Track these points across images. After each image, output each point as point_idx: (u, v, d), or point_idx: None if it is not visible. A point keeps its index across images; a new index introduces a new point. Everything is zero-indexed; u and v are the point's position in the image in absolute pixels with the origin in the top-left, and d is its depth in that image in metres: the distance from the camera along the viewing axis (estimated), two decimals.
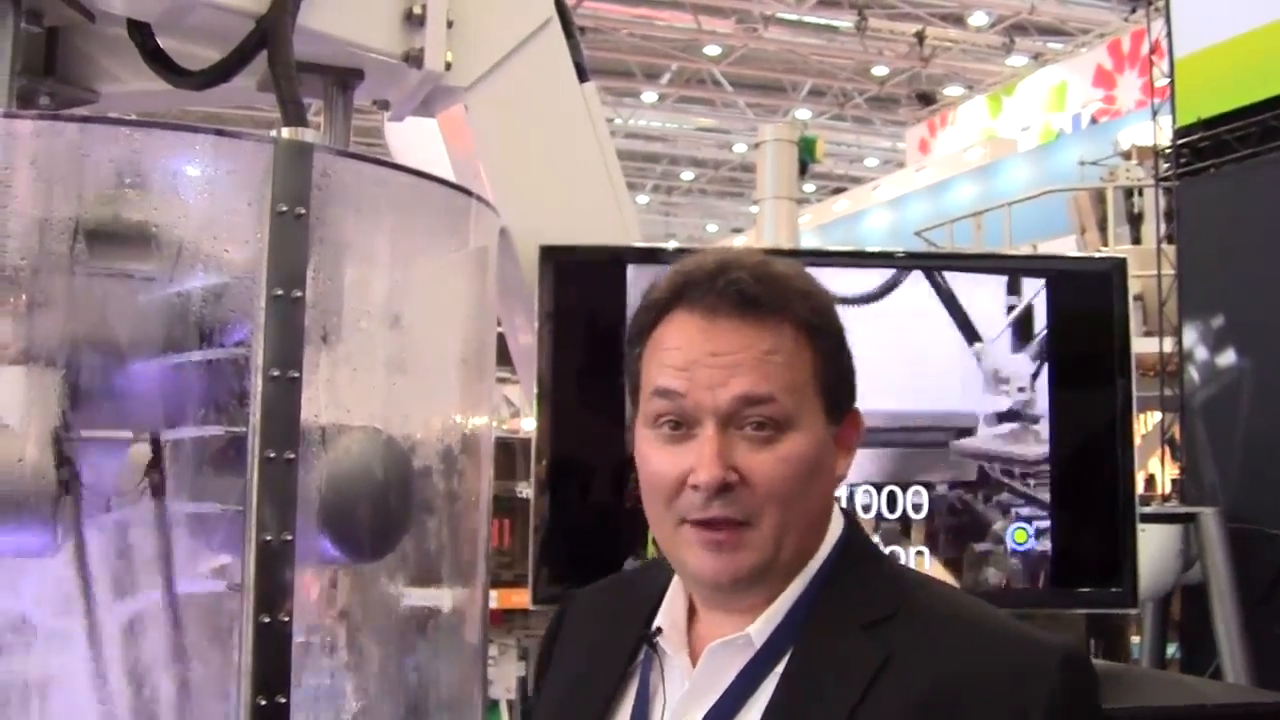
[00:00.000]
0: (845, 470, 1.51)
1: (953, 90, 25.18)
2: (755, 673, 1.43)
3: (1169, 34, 7.81)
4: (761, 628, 1.44)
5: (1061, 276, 3.18)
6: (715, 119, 26.77)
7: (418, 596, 2.50)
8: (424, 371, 2.52)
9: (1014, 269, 3.15)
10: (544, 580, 2.86)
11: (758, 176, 9.97)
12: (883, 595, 1.46)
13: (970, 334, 3.08)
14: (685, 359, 1.44)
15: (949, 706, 1.34)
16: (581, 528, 2.89)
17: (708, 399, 1.41)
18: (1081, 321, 3.14)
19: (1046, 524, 3.05)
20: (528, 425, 10.27)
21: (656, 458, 1.46)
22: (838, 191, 29.24)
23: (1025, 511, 3.05)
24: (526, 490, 7.82)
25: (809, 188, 26.89)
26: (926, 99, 24.92)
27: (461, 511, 2.53)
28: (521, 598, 7.12)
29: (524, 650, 7.14)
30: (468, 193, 2.56)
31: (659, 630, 1.51)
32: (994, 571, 3.05)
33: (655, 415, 1.46)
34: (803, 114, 25.36)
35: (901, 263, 3.16)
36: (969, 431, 3.04)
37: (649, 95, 24.93)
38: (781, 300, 1.44)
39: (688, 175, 30.41)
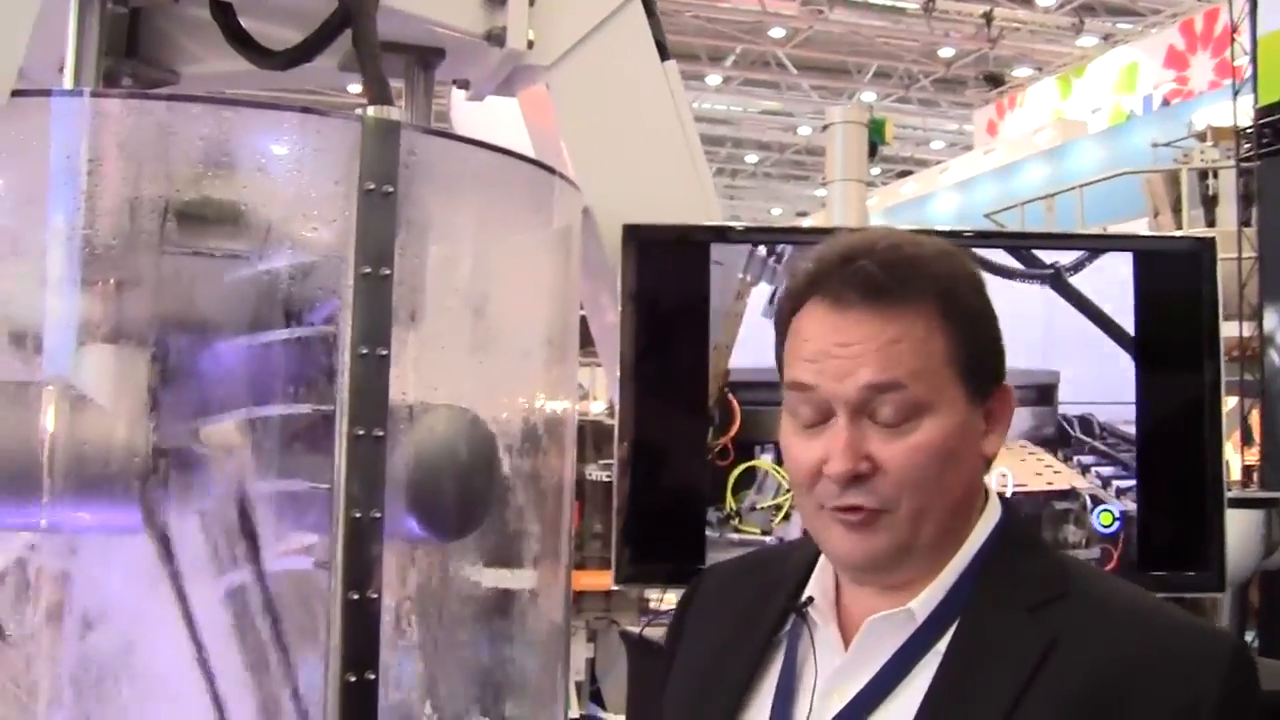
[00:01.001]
0: (995, 449, 1.49)
1: (1021, 72, 24.92)
2: (915, 649, 1.43)
3: (1253, 11, 7.68)
4: (924, 603, 1.44)
5: (1148, 256, 3.13)
6: (780, 102, 26.64)
7: (501, 578, 2.49)
8: (509, 351, 2.52)
9: (1101, 248, 3.09)
10: (626, 560, 2.85)
11: (827, 158, 9.92)
12: (1047, 578, 1.45)
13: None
14: (815, 350, 1.44)
15: (1117, 691, 1.33)
16: (663, 507, 2.88)
17: (837, 390, 1.42)
18: (1169, 301, 3.08)
19: (1129, 483, 3.00)
20: (596, 408, 10.29)
21: (796, 447, 1.47)
22: (903, 175, 29.04)
23: (1107, 471, 3.02)
24: (596, 472, 7.85)
25: (874, 171, 26.77)
26: (994, 81, 24.68)
27: (545, 492, 2.52)
28: (591, 579, 7.14)
29: (593, 632, 7.17)
30: (551, 170, 2.55)
31: (810, 600, 1.51)
32: (1074, 530, 3.02)
33: (794, 406, 1.47)
34: (868, 96, 25.18)
35: (988, 242, 3.12)
36: (1051, 390, 3.01)
37: (713, 78, 24.85)
38: (910, 285, 1.42)
39: (752, 158, 30.31)
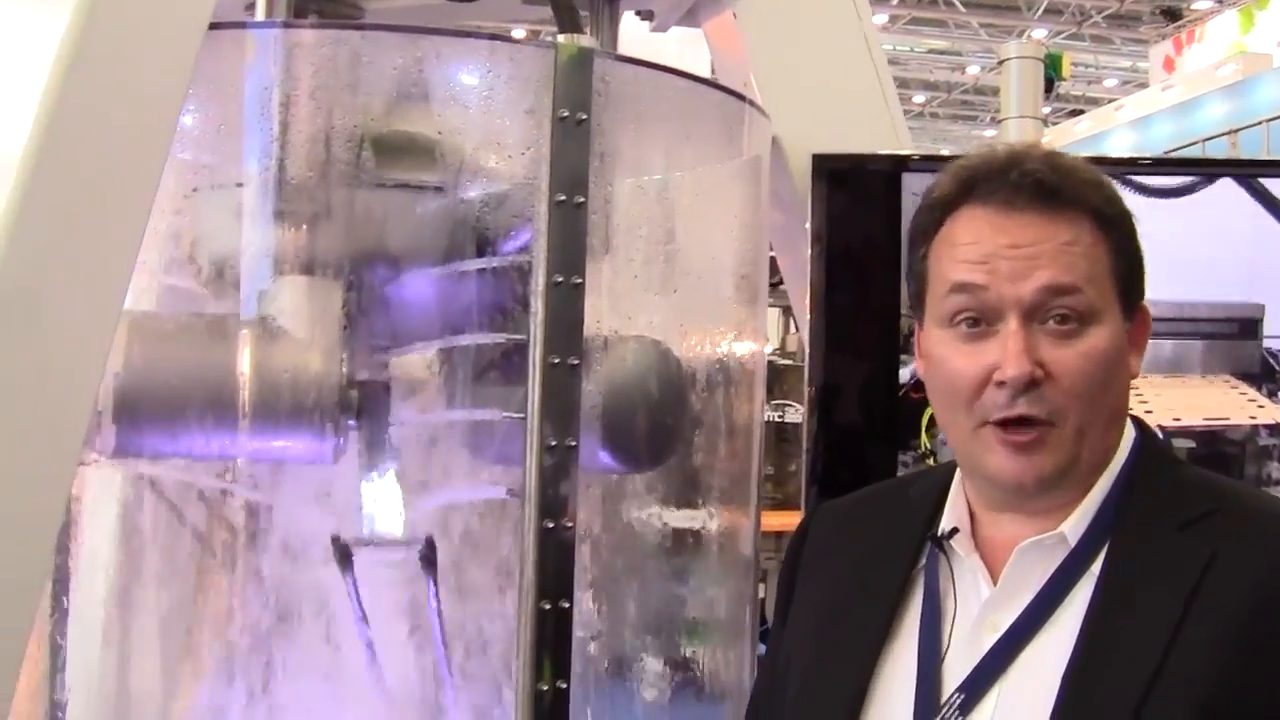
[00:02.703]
0: (1137, 369, 1.46)
1: (1200, 4, 24.04)
2: (1069, 573, 1.40)
3: None
4: (1075, 526, 1.41)
5: None
6: (948, 41, 26.12)
7: (693, 515, 2.48)
8: (700, 284, 2.50)
9: None
10: (813, 498, 2.80)
11: (1001, 96, 9.70)
12: (1194, 495, 1.43)
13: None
14: (983, 252, 1.40)
15: (1277, 602, 1.31)
16: (854, 445, 2.82)
17: (1010, 291, 1.38)
18: None
19: None
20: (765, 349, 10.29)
21: (955, 358, 1.42)
22: (1074, 114, 28.28)
23: None
24: (767, 413, 7.84)
25: (1044, 110, 26.11)
26: (1172, 15, 23.83)
27: (735, 426, 2.50)
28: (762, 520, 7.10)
29: (763, 573, 7.15)
30: (741, 98, 2.50)
31: (953, 531, 1.47)
32: (1278, 466, 2.91)
33: (953, 312, 1.42)
34: (1038, 34, 24.53)
35: (1214, 170, 2.98)
36: (1254, 324, 2.89)
37: (879, 17, 24.41)
38: (1077, 191, 1.41)
39: (919, 98, 29.78)
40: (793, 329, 10.14)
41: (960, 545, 1.47)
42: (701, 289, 2.50)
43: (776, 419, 7.60)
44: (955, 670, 1.41)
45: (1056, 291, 1.37)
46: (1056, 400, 1.37)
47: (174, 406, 2.21)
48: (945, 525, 1.49)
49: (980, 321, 1.40)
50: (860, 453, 2.81)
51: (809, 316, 2.72)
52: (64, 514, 2.06)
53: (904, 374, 2.72)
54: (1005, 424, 1.38)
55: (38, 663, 2.24)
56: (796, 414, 7.29)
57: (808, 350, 2.76)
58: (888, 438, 2.75)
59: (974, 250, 1.40)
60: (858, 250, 2.77)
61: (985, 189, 1.41)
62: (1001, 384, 1.37)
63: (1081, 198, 1.40)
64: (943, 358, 1.43)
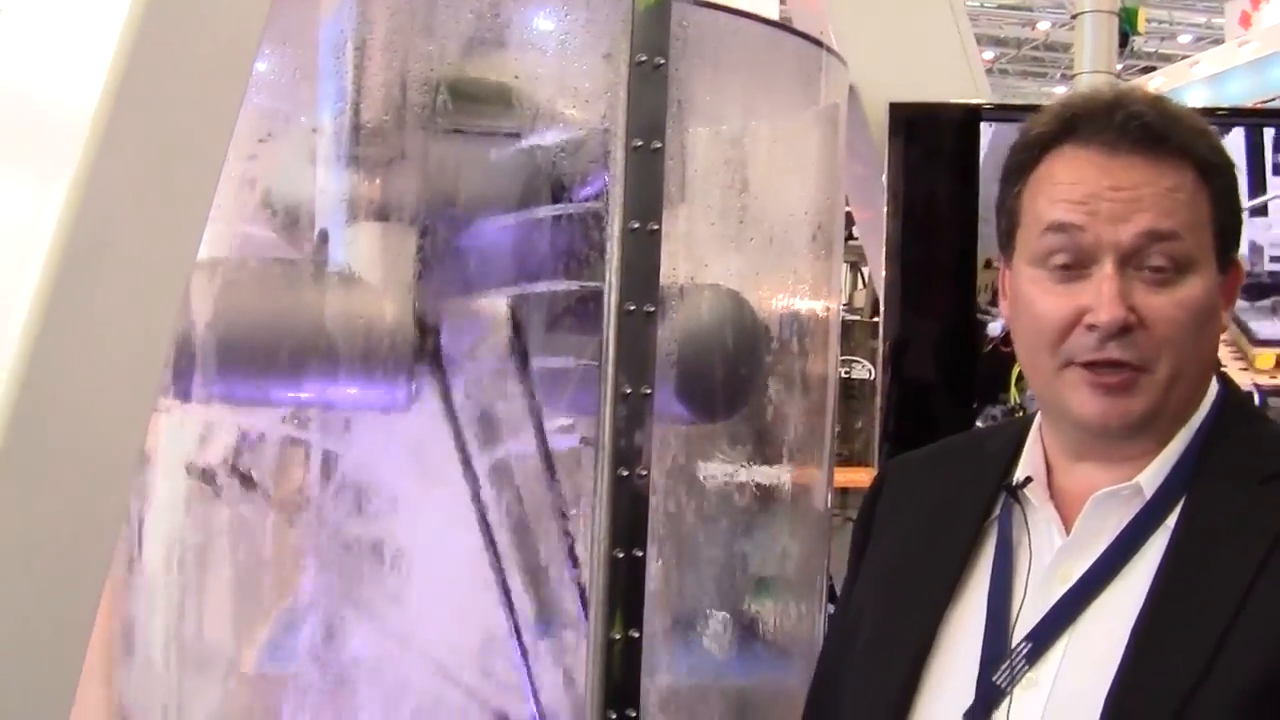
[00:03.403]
0: (1227, 323, 1.44)
1: None
2: (1144, 525, 1.37)
3: None
4: (1151, 478, 1.38)
5: None
6: None
7: (767, 468, 2.46)
8: (775, 234, 2.47)
9: None
10: (885, 455, 2.78)
11: (1075, 51, 9.47)
12: (1277, 451, 1.39)
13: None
14: (1084, 193, 1.36)
15: None
16: (929, 401, 2.79)
17: (1109, 234, 1.34)
18: None
19: None
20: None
21: (1044, 297, 1.38)
22: (1146, 71, 27.81)
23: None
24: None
25: (1116, 66, 25.65)
26: None
27: (810, 379, 2.48)
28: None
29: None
30: (819, 44, 2.47)
31: (1027, 480, 1.44)
32: None
33: (1047, 251, 1.38)
34: None
35: None
36: None
37: None
38: (1182, 137, 1.36)
39: (988, 55, 29.37)
40: (860, 284, 10.05)
41: (1035, 494, 1.44)
42: (777, 239, 2.47)
43: (843, 375, 7.54)
44: (1025, 619, 1.39)
45: (1156, 237, 1.34)
46: (1148, 347, 1.34)
47: (248, 352, 2.22)
48: (1020, 474, 1.46)
49: (1074, 263, 1.37)
50: (933, 409, 2.78)
51: (885, 271, 2.69)
52: (139, 462, 2.07)
53: (994, 328, 2.68)
54: (1094, 365, 1.35)
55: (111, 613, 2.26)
56: (863, 370, 7.24)
57: (882, 305, 2.73)
58: (962, 393, 2.71)
59: (1075, 190, 1.37)
60: (934, 204, 2.74)
61: (1089, 129, 1.38)
62: (1092, 327, 1.34)
63: (1187, 144, 1.37)
64: (1031, 297, 1.40)
